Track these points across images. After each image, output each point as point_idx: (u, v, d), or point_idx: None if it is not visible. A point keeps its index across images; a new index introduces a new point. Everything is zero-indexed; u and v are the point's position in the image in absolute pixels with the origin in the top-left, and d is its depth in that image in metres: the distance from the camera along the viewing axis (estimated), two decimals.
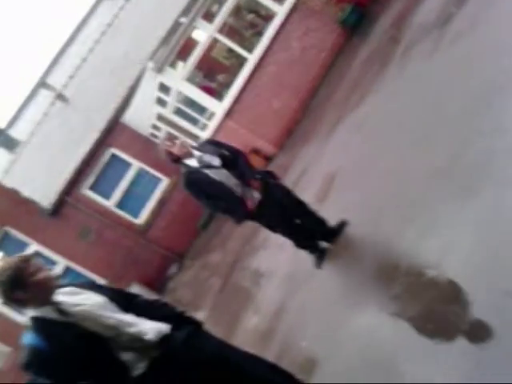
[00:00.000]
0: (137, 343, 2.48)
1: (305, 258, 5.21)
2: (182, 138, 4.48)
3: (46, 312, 2.43)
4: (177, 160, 4.31)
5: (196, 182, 4.30)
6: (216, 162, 4.30)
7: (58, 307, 2.44)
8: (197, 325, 2.86)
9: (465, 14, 5.30)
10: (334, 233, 4.50)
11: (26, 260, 2.47)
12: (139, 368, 2.46)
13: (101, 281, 12.75)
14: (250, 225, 8.33)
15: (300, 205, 4.57)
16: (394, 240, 3.66)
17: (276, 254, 6.30)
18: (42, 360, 2.38)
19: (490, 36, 4.42)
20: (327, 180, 6.04)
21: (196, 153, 4.35)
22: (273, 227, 4.67)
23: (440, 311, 2.68)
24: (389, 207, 4.07)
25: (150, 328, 2.53)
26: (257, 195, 4.36)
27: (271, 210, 4.41)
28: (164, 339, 2.53)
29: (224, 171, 4.29)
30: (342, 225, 4.48)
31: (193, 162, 4.30)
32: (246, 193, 4.35)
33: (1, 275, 2.36)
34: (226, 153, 4.39)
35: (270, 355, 4.33)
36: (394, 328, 2.96)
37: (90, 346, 2.41)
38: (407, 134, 4.68)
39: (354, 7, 9.67)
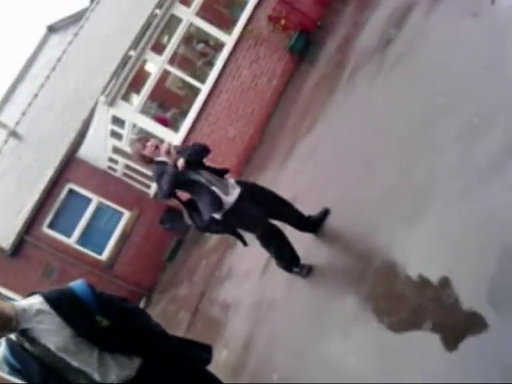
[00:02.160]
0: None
1: (270, 284, 5.29)
2: (153, 139, 4.31)
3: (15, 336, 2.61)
4: (150, 161, 4.16)
5: (179, 182, 4.07)
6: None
7: (24, 335, 2.58)
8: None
9: (403, 37, 5.56)
10: (317, 222, 4.52)
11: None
12: None
13: None
14: (215, 255, 8.43)
15: (276, 198, 4.48)
16: (351, 262, 3.81)
17: (241, 284, 6.34)
18: (13, 370, 2.62)
19: (427, 57, 4.65)
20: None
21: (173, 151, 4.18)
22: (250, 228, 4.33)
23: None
24: (346, 228, 4.22)
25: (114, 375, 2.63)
26: (236, 192, 4.18)
27: (248, 207, 4.19)
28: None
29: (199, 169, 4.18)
30: (324, 213, 4.55)
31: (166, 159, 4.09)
32: (224, 191, 4.15)
33: None
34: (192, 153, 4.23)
35: None
36: (362, 353, 3.03)
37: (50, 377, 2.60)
38: (357, 157, 4.84)
39: (300, 33, 9.93)
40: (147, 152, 4.09)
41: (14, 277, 12.39)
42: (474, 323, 2.29)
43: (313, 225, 4.55)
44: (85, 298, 2.66)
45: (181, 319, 8.15)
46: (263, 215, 4.30)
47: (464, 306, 2.41)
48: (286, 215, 4.50)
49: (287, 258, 4.41)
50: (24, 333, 2.56)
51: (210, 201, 4.10)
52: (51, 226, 12.89)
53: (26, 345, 2.57)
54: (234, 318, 5.78)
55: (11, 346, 2.59)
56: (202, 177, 4.15)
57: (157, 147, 4.08)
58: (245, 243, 4.45)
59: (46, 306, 2.61)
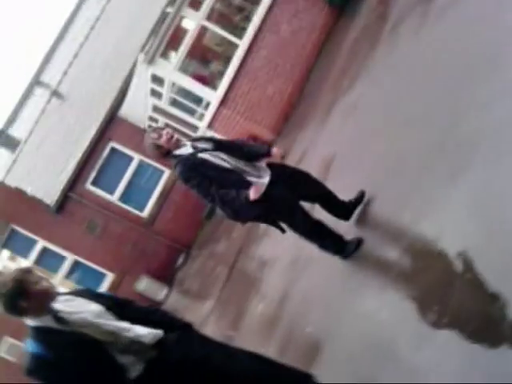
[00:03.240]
0: (134, 346, 2.58)
1: (305, 243, 5.28)
2: (168, 128, 4.08)
3: (46, 321, 2.52)
4: (167, 153, 3.88)
5: (194, 168, 3.76)
6: (209, 146, 3.89)
7: (57, 315, 2.52)
8: (187, 326, 2.95)
9: None
10: (354, 205, 4.22)
11: (28, 271, 2.56)
12: (136, 370, 2.57)
13: (109, 274, 12.97)
14: None
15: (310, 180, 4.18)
16: (393, 220, 3.72)
17: (278, 241, 6.35)
18: (44, 367, 2.49)
19: (474, 8, 4.41)
20: (326, 163, 6.06)
21: (187, 142, 3.96)
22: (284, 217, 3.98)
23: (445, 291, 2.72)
24: (386, 187, 4.12)
25: (146, 332, 2.65)
26: (266, 177, 3.87)
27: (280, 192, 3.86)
28: (159, 342, 2.64)
29: (222, 154, 3.85)
30: (361, 196, 4.24)
31: (185, 150, 3.85)
32: (256, 173, 3.88)
33: (4, 285, 2.43)
34: (220, 141, 4.04)
35: (275, 342, 4.47)
36: (396, 311, 3.02)
37: (89, 351, 2.51)
38: (400, 113, 4.70)
39: None
40: (163, 142, 3.81)
41: (57, 232, 12.86)
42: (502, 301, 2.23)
43: (347, 210, 4.22)
44: None
45: (218, 275, 8.30)
46: (296, 200, 3.96)
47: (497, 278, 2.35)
48: (319, 198, 4.20)
49: (331, 246, 4.03)
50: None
51: (244, 189, 3.75)
52: (94, 183, 13.22)
53: (57, 325, 2.52)
54: (270, 273, 5.85)
55: (36, 330, 2.52)
56: (228, 162, 3.85)
57: (172, 137, 3.82)
58: (282, 230, 4.13)
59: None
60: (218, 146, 3.91)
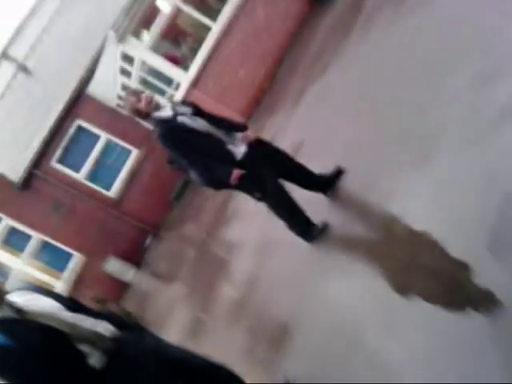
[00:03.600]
0: (91, 336, 2.65)
1: (274, 225, 5.37)
2: (148, 92, 4.03)
3: (3, 312, 2.56)
4: (146, 115, 3.95)
5: (174, 131, 3.84)
6: (189, 110, 3.93)
7: (14, 306, 2.56)
8: (140, 327, 3.06)
9: None
10: (329, 181, 4.27)
11: None
12: (95, 357, 2.63)
13: (76, 254, 12.84)
14: (221, 196, 8.53)
15: (288, 158, 4.24)
16: (360, 201, 3.84)
17: (246, 224, 6.45)
18: (10, 358, 2.48)
19: (447, 4, 4.54)
20: (294, 148, 6.14)
21: (167, 103, 4.02)
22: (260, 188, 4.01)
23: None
24: (352, 173, 4.24)
25: (101, 324, 2.72)
26: (242, 147, 3.95)
27: (258, 165, 3.96)
28: (115, 337, 2.71)
29: (201, 120, 3.91)
30: (338, 172, 4.29)
31: (165, 112, 3.90)
32: (233, 142, 3.95)
33: None
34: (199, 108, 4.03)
35: (243, 327, 4.55)
36: (363, 294, 3.13)
37: (50, 339, 2.54)
38: (368, 101, 4.82)
39: None
40: (142, 106, 3.90)
41: (23, 210, 12.62)
42: (468, 269, 2.37)
43: (323, 184, 4.28)
44: None
45: (186, 257, 8.35)
46: (271, 173, 4.03)
47: (461, 254, 2.48)
48: (294, 173, 4.25)
49: (301, 223, 4.09)
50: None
51: (222, 155, 3.89)
52: (60, 161, 12.99)
53: (16, 315, 2.54)
54: (238, 256, 5.93)
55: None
56: (206, 126, 3.93)
57: (151, 101, 3.89)
58: (258, 198, 4.13)
59: None
60: (198, 111, 3.96)
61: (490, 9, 3.67)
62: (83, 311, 2.81)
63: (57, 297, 2.81)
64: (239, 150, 3.96)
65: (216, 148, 3.92)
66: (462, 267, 2.41)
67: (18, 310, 2.54)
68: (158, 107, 3.92)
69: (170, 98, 3.82)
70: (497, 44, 3.28)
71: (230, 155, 3.92)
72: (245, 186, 3.99)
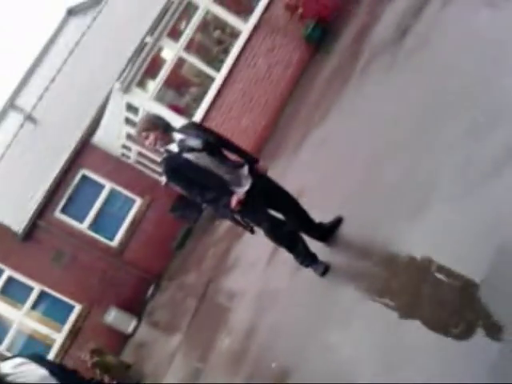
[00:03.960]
0: None
1: (274, 274, 5.29)
2: (152, 136, 4.00)
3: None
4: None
5: (176, 169, 3.95)
6: (198, 145, 3.95)
7: (4, 380, 2.67)
8: None
9: (418, 30, 5.49)
10: (329, 230, 4.26)
11: None
12: None
13: (77, 305, 12.62)
14: (223, 244, 8.45)
15: (292, 201, 4.27)
16: (358, 248, 3.81)
17: (247, 273, 6.35)
18: None
19: (440, 52, 4.59)
20: (296, 194, 6.11)
21: (177, 136, 4.01)
22: (259, 220, 4.11)
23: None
24: (353, 221, 4.18)
25: None
26: (246, 185, 3.99)
27: (260, 196, 4.04)
28: None
29: (208, 158, 3.94)
30: (338, 221, 4.28)
31: (173, 147, 3.97)
32: (237, 182, 3.99)
33: None
34: (211, 140, 4.01)
35: (241, 377, 4.40)
36: (359, 345, 3.05)
37: None
38: (365, 151, 4.82)
39: (316, 23, 9.83)
40: (146, 145, 4.02)
41: (24, 261, 12.51)
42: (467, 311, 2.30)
43: (323, 232, 4.29)
44: None
45: (187, 306, 8.20)
46: (268, 212, 4.12)
47: (459, 299, 2.41)
48: (296, 217, 4.27)
49: (301, 254, 4.13)
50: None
51: (224, 193, 3.96)
52: (64, 211, 12.98)
53: None
54: (238, 306, 5.81)
55: None
56: (211, 165, 3.96)
57: (155, 143, 3.97)
58: (252, 231, 4.31)
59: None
60: (207, 145, 3.95)
61: (484, 58, 3.69)
62: (71, 379, 2.86)
63: (50, 364, 2.91)
64: (242, 189, 3.98)
65: (219, 187, 3.99)
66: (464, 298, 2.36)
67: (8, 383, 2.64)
68: (168, 141, 3.98)
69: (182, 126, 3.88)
70: (489, 93, 3.30)
71: (230, 193, 3.96)
72: (244, 215, 4.10)
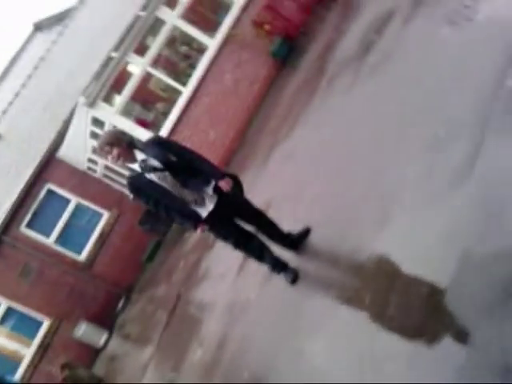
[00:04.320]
0: None
1: (244, 285, 5.37)
2: (114, 152, 3.90)
3: None
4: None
5: (140, 188, 4.00)
6: (159, 165, 3.90)
7: None
8: None
9: (381, 46, 5.72)
10: (298, 240, 4.37)
11: None
12: None
13: (46, 321, 12.39)
14: (193, 256, 8.49)
15: (259, 214, 4.31)
16: (327, 255, 3.93)
17: (217, 284, 6.41)
18: None
19: (402, 67, 4.81)
20: (265, 205, 6.23)
21: (139, 155, 3.92)
22: (226, 236, 4.25)
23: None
24: (321, 230, 4.31)
25: None
26: (210, 206, 4.02)
27: (226, 213, 4.10)
28: None
29: (170, 178, 3.93)
30: (306, 231, 4.40)
31: (136, 166, 3.94)
32: (200, 202, 4.02)
33: None
34: (173, 158, 3.94)
35: None
36: (330, 352, 3.13)
37: None
38: (330, 163, 4.99)
39: (283, 40, 10.06)
40: (109, 162, 4.08)
41: None
42: (434, 318, 2.41)
43: (291, 242, 4.40)
44: None
45: (158, 318, 8.19)
46: (237, 229, 4.22)
47: (425, 306, 2.53)
48: (265, 228, 4.35)
49: (272, 262, 4.27)
50: None
51: (187, 213, 4.07)
52: (29, 225, 12.77)
53: None
54: (209, 317, 5.86)
55: None
56: (174, 188, 3.98)
57: (118, 160, 3.91)
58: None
59: None
60: (167, 165, 3.91)
61: (444, 73, 3.89)
62: None
63: None
64: (206, 209, 4.03)
65: (183, 207, 4.05)
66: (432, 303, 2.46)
67: None
68: (132, 158, 3.91)
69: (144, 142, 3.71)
70: (451, 104, 3.47)
71: (194, 214, 4.05)
72: (212, 231, 4.21)
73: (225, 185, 3.92)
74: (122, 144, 3.90)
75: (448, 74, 3.81)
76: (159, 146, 3.99)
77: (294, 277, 4.14)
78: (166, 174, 3.92)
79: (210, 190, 3.99)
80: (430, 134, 3.44)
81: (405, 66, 4.77)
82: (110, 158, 3.90)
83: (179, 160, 3.95)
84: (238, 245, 4.25)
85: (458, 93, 3.49)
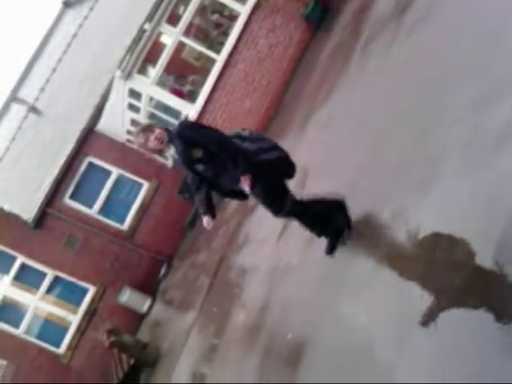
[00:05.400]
0: None
1: (285, 249, 5.44)
2: (158, 130, 3.87)
3: None
4: (159, 152, 3.99)
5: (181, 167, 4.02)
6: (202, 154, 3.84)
7: None
8: None
9: (418, 4, 5.55)
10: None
11: None
12: None
13: (91, 288, 12.87)
14: (233, 222, 8.61)
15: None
16: (368, 223, 3.90)
17: (258, 249, 6.52)
18: None
19: (441, 25, 4.66)
20: (304, 171, 6.24)
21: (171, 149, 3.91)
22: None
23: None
24: (359, 196, 4.29)
25: None
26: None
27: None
28: None
29: (210, 169, 3.90)
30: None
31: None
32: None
33: None
34: (198, 154, 3.83)
35: (257, 350, 4.58)
36: (372, 315, 3.16)
37: None
38: (370, 128, 4.91)
39: (316, 2, 9.86)
40: (152, 146, 3.87)
41: (37, 248, 12.75)
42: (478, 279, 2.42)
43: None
44: None
45: (200, 284, 8.40)
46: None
47: (469, 267, 2.52)
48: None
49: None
50: None
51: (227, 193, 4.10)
52: (73, 197, 13.16)
53: None
54: (251, 282, 5.98)
55: None
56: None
57: (161, 140, 3.83)
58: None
59: None
60: (192, 161, 3.88)
61: (485, 29, 3.76)
62: None
63: None
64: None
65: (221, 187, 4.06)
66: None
67: None
68: (167, 148, 3.91)
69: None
70: (493, 62, 3.37)
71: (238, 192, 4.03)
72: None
73: (244, 183, 3.74)
74: (162, 127, 3.92)
75: (489, 29, 3.68)
76: (183, 141, 3.84)
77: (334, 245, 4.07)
78: (209, 166, 3.88)
79: (241, 185, 3.81)
80: (474, 92, 3.32)
81: (443, 25, 4.62)
82: (152, 137, 3.84)
83: (205, 153, 3.81)
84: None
85: (500, 48, 3.37)
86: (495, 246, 2.38)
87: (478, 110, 3.19)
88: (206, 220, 4.15)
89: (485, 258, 2.41)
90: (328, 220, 4.12)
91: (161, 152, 3.98)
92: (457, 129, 3.31)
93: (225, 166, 3.79)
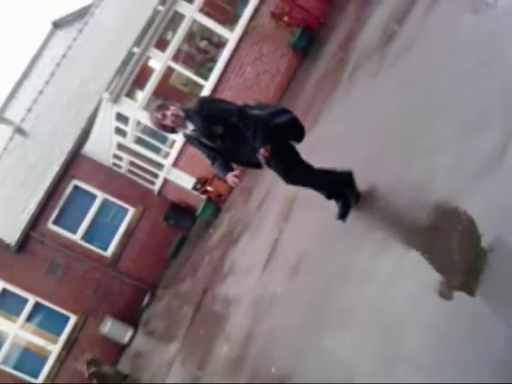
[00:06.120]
0: None
1: (270, 280, 5.36)
2: (173, 107, 3.89)
3: None
4: (172, 130, 3.99)
5: (196, 145, 4.13)
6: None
7: None
8: None
9: (403, 35, 5.60)
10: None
11: None
12: None
13: (72, 316, 12.59)
14: (218, 251, 8.50)
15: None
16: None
17: (243, 279, 6.41)
18: None
19: (426, 55, 4.69)
20: (288, 203, 6.20)
21: (189, 125, 3.94)
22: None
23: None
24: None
25: None
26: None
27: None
28: None
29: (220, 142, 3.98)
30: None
31: (188, 131, 3.97)
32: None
33: None
34: (219, 131, 3.91)
35: (241, 382, 4.46)
36: (356, 347, 3.11)
37: None
38: (356, 154, 4.89)
39: (303, 31, 9.96)
40: (168, 122, 3.86)
41: (19, 273, 12.52)
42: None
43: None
44: None
45: (184, 314, 8.24)
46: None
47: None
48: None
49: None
50: None
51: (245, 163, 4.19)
52: (56, 222, 12.99)
53: None
54: (235, 313, 5.86)
55: None
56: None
57: (177, 116, 3.84)
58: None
59: None
60: (213, 136, 3.95)
61: (469, 60, 3.78)
62: None
63: None
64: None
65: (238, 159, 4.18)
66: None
67: None
68: (184, 125, 3.92)
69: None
70: (479, 92, 3.37)
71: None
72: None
73: (262, 154, 3.87)
74: (176, 105, 3.91)
75: (475, 60, 3.70)
76: (203, 117, 3.89)
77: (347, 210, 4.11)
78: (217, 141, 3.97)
79: (259, 156, 3.93)
80: (459, 120, 3.33)
81: (428, 54, 4.65)
82: (169, 114, 3.83)
83: (226, 129, 3.89)
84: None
85: (485, 79, 3.38)
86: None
87: (462, 139, 3.19)
88: (230, 179, 4.03)
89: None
90: (338, 186, 4.20)
91: (177, 128, 3.95)
92: (442, 157, 3.30)
93: (244, 138, 3.87)
